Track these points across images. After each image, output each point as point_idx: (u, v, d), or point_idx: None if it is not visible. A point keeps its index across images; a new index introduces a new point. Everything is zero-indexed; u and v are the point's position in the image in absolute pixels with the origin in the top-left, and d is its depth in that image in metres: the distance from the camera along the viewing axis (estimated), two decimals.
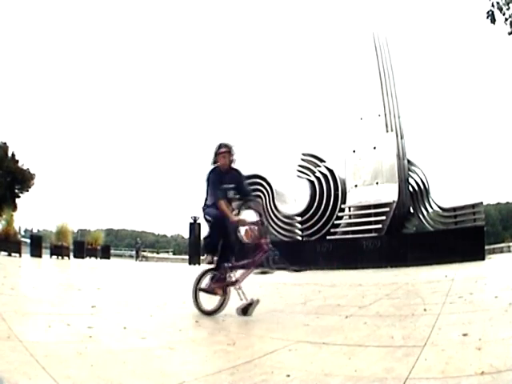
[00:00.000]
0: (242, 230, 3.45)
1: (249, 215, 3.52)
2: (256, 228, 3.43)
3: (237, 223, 3.42)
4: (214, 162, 3.60)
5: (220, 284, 3.40)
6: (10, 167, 23.61)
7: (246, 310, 3.28)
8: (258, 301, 3.32)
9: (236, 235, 3.50)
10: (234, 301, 3.38)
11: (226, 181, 3.55)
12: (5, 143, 24.20)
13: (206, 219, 3.62)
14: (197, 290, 3.44)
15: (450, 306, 3.15)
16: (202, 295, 3.44)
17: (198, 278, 3.50)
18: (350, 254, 11.98)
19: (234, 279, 3.43)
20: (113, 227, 59.00)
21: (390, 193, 13.71)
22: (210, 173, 3.61)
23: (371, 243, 12.00)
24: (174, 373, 1.72)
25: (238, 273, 3.46)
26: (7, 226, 10.85)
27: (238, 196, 3.60)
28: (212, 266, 3.53)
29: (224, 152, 3.55)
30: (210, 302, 3.42)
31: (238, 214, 3.54)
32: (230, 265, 3.45)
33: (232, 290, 3.42)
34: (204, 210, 3.63)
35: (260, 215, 3.53)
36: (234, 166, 3.63)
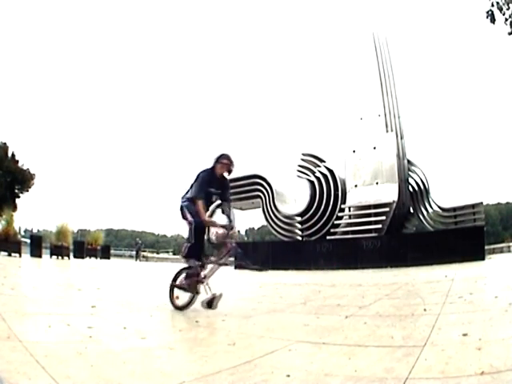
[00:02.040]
0: (212, 230, 3.64)
1: (220, 218, 3.78)
2: (223, 230, 3.63)
3: (207, 224, 3.63)
4: (213, 167, 3.81)
5: (191, 280, 3.61)
6: (10, 167, 23.62)
7: (210, 304, 3.44)
8: (221, 295, 3.48)
9: (206, 235, 3.71)
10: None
11: (215, 186, 3.79)
12: (5, 143, 24.22)
13: (184, 212, 3.75)
14: (172, 286, 3.73)
15: (449, 306, 3.14)
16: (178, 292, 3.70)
17: (174, 276, 3.77)
18: (349, 253, 11.98)
19: (203, 276, 3.64)
20: (113, 227, 59.15)
21: (389, 193, 13.70)
22: (204, 171, 3.81)
23: (371, 243, 12.00)
24: (174, 373, 1.72)
25: (207, 270, 3.67)
26: (7, 226, 10.82)
27: (219, 201, 3.86)
28: (186, 265, 3.75)
29: (225, 164, 3.78)
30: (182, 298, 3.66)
31: (211, 215, 3.78)
32: (200, 263, 3.66)
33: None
34: (183, 201, 3.79)
35: (230, 220, 3.76)
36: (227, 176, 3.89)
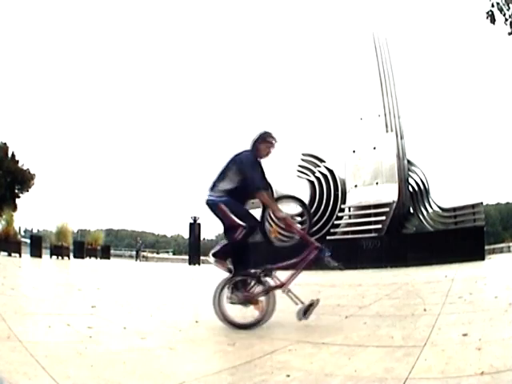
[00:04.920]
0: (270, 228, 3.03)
1: (290, 208, 3.09)
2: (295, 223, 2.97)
3: (284, 220, 2.99)
4: (255, 149, 3.11)
5: (257, 291, 2.92)
6: (10, 167, 23.61)
7: (305, 312, 2.85)
8: (318, 300, 2.89)
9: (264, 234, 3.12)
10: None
11: (260, 172, 3.15)
12: (5, 143, 24.21)
13: (224, 210, 2.97)
14: (220, 301, 2.86)
15: (449, 306, 3.14)
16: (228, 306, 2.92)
17: (220, 289, 2.91)
18: (349, 254, 11.97)
19: (277, 283, 2.95)
20: (113, 227, 59.06)
21: (389, 193, 13.70)
22: (245, 153, 3.08)
23: (371, 243, 11.99)
24: (174, 373, 1.72)
25: (283, 275, 3.00)
26: (7, 226, 10.82)
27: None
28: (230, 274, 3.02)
29: (271, 143, 3.14)
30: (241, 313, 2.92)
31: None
32: (269, 267, 2.98)
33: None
34: (219, 196, 3.00)
35: (305, 207, 3.13)
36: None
